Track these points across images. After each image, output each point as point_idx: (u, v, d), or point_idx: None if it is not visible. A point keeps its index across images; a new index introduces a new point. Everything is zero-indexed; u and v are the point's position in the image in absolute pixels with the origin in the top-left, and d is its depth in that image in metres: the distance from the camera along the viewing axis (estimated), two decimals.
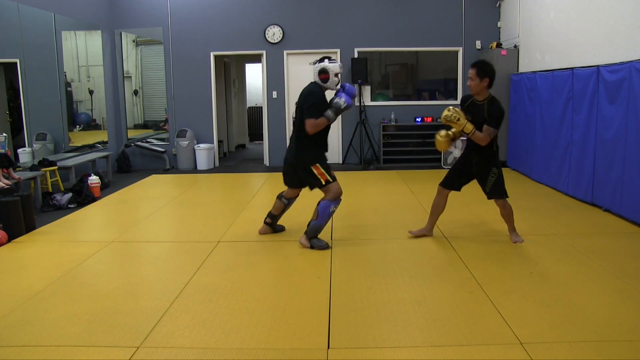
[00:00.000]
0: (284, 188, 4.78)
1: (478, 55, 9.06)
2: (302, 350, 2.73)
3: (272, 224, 4.89)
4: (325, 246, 4.39)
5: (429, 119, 9.07)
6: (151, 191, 7.40)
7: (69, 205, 6.27)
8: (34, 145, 7.27)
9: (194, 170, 9.26)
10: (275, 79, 9.37)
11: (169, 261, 4.29)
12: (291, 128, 5.04)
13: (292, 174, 4.54)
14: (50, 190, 6.64)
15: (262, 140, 9.95)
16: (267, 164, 9.59)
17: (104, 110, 9.13)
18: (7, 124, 7.04)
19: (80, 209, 6.23)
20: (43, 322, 3.08)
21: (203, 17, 9.23)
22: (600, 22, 5.70)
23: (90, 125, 9.18)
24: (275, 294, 3.51)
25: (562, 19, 6.64)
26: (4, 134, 6.32)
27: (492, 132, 4.12)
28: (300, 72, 9.18)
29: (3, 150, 6.02)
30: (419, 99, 9.70)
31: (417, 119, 9.17)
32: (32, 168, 6.60)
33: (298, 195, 4.77)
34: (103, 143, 9.09)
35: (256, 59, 10.02)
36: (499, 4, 9.04)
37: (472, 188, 4.63)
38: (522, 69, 8.12)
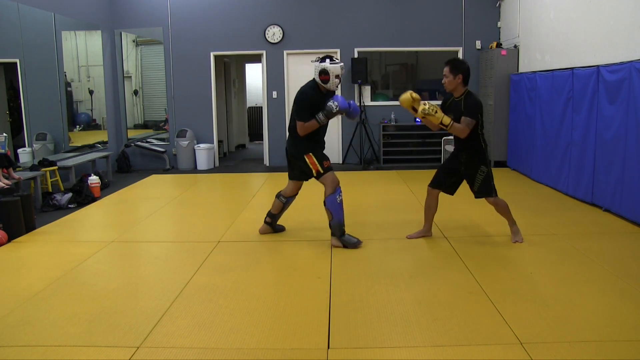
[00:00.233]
0: (284, 187, 4.78)
1: (478, 55, 9.07)
2: (302, 350, 2.73)
3: (272, 224, 4.89)
4: (357, 242, 4.41)
5: None
6: (151, 191, 7.40)
7: (69, 205, 6.27)
8: (34, 145, 7.27)
9: (194, 170, 9.26)
10: (275, 79, 9.37)
11: (169, 261, 4.29)
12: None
13: (293, 164, 4.56)
14: (50, 190, 6.64)
15: (262, 140, 9.95)
16: (267, 164, 9.59)
17: (104, 110, 9.13)
18: (7, 124, 7.03)
19: (80, 209, 6.23)
20: (43, 322, 3.08)
21: (203, 17, 9.23)
22: (600, 22, 5.70)
23: (90, 125, 9.18)
24: (275, 294, 3.51)
25: (562, 19, 6.64)
26: (4, 134, 6.32)
27: (469, 122, 4.12)
28: (300, 72, 9.17)
29: (3, 150, 6.02)
30: None
31: (417, 119, 9.12)
32: (32, 168, 6.60)
33: (297, 194, 4.77)
34: (103, 143, 9.09)
35: (256, 59, 10.02)
36: (499, 4, 9.04)
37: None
38: (522, 69, 8.11)
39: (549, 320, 2.99)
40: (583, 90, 5.86)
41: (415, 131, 9.38)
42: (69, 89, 8.41)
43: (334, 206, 4.32)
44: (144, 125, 10.51)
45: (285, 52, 9.28)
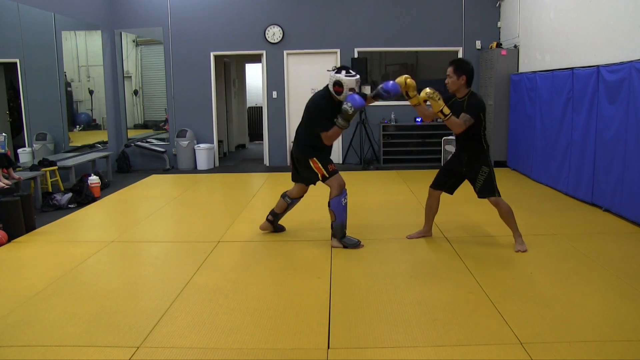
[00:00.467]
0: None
1: (478, 55, 9.07)
2: (302, 350, 2.73)
3: (274, 222, 4.89)
4: (357, 243, 4.42)
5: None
6: (151, 191, 7.40)
7: (69, 205, 6.27)
8: (34, 145, 7.27)
9: (194, 170, 9.26)
10: (275, 79, 9.36)
11: (169, 261, 4.29)
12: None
13: (298, 168, 4.56)
14: (50, 190, 6.64)
15: (262, 140, 9.94)
16: (267, 164, 9.58)
17: (104, 110, 9.13)
18: (7, 124, 7.04)
19: (80, 209, 6.23)
20: (43, 322, 3.08)
21: (203, 17, 9.23)
22: (600, 22, 5.70)
23: (90, 125, 9.18)
24: (275, 294, 3.51)
25: (562, 19, 6.64)
26: (4, 134, 6.33)
27: (467, 119, 4.09)
28: (300, 72, 9.17)
29: (3, 150, 6.02)
30: None
31: (417, 119, 9.17)
32: (32, 168, 6.60)
33: (302, 196, 4.77)
34: (103, 143, 9.09)
35: (256, 59, 10.01)
36: (499, 4, 9.04)
37: (472, 188, 4.62)
38: (522, 69, 8.11)
39: (549, 320, 2.99)
40: (583, 90, 5.86)
41: (415, 131, 9.38)
42: (69, 89, 8.41)
43: (338, 208, 4.32)
44: (144, 125, 10.51)
45: (285, 52, 9.28)
